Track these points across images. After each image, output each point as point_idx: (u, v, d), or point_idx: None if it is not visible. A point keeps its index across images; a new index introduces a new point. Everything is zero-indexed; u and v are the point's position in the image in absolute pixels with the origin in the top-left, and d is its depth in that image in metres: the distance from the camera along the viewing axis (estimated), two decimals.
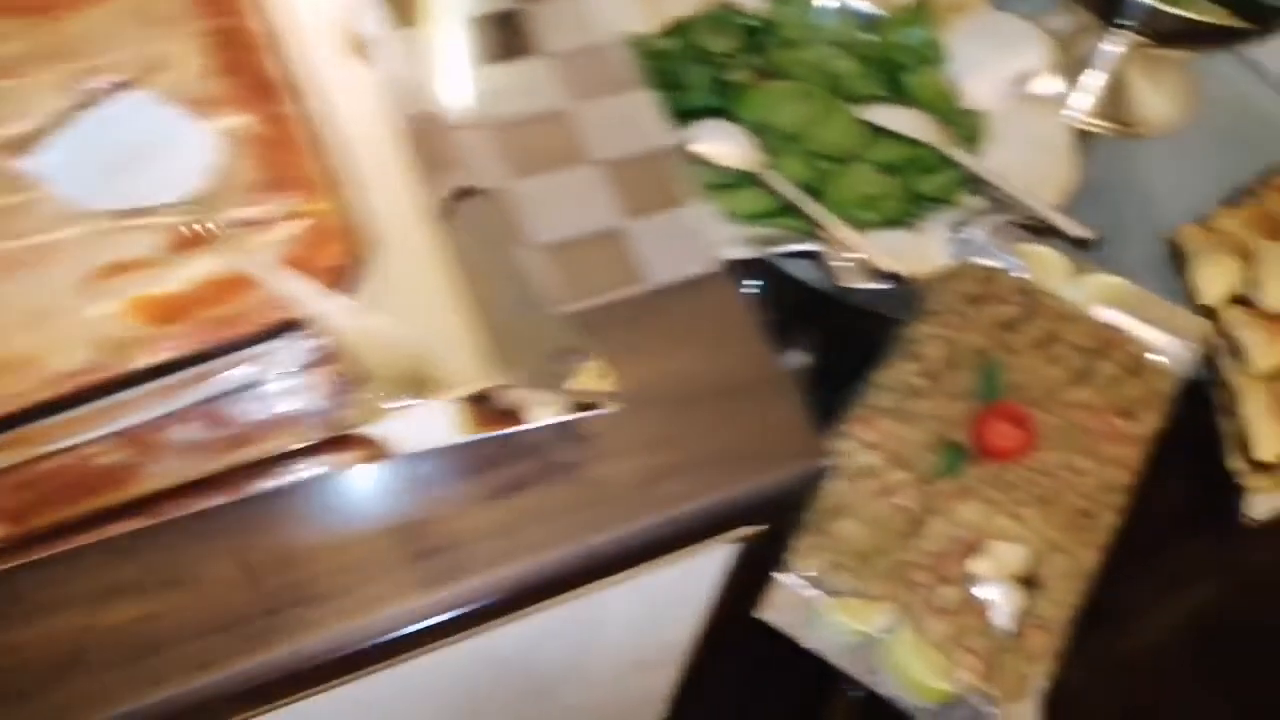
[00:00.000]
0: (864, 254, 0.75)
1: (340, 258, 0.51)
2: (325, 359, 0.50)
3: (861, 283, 0.75)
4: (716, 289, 0.60)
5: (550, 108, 0.67)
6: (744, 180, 0.84)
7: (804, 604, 0.77)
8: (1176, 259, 0.97)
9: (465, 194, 0.56)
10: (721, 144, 0.87)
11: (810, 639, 0.77)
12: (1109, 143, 1.09)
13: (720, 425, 0.56)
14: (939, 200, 0.84)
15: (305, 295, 0.50)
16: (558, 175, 0.63)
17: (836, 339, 0.90)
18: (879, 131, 0.89)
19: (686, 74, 0.90)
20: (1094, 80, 1.09)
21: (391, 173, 0.54)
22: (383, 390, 0.49)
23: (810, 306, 0.82)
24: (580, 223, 0.60)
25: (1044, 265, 0.93)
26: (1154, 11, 0.91)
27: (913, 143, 0.87)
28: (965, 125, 0.89)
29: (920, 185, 0.85)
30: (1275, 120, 1.14)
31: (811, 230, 0.79)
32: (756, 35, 0.96)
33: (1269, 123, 1.14)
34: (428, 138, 0.56)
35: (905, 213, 0.84)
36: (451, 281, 0.53)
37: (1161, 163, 1.12)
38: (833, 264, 0.76)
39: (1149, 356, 0.88)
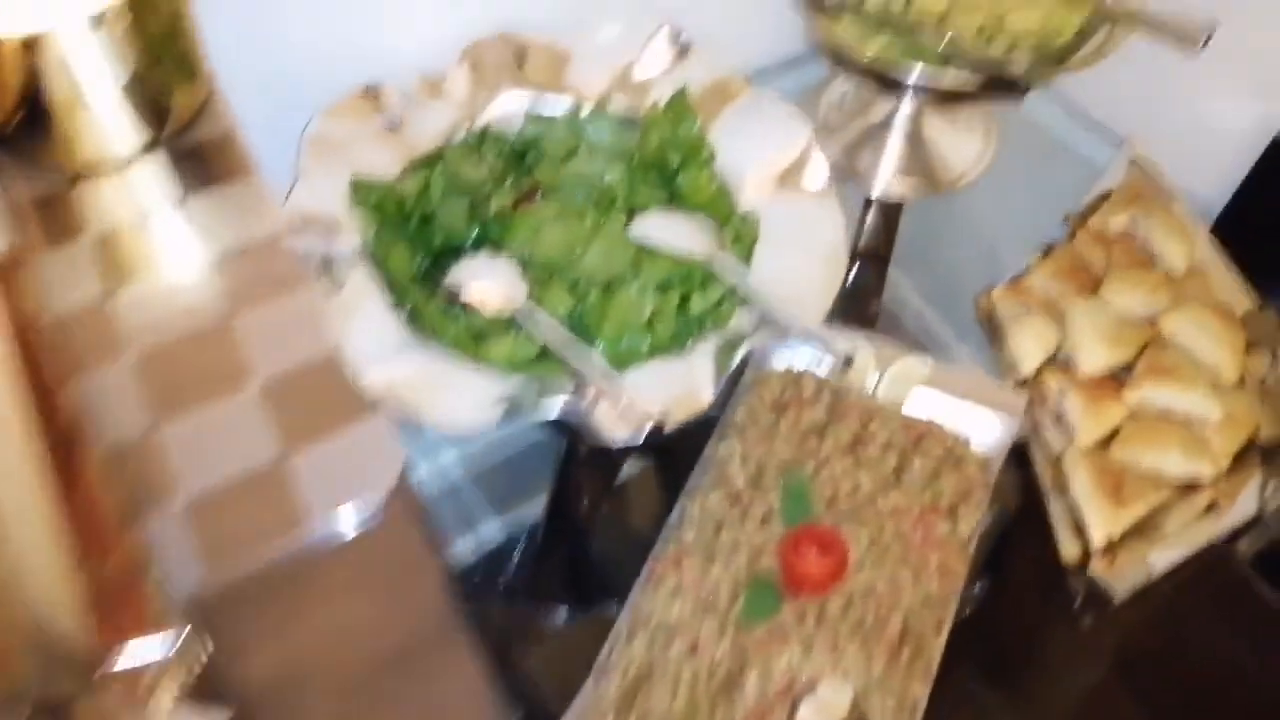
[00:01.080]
0: (625, 400, 0.70)
1: None
2: None
3: (625, 432, 0.69)
4: (392, 528, 0.53)
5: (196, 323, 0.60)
6: (507, 324, 0.79)
7: None
8: (991, 326, 0.94)
9: None
10: (484, 284, 0.82)
11: None
12: (916, 206, 1.07)
13: (387, 709, 0.50)
14: (711, 321, 0.79)
15: None
16: (205, 408, 0.57)
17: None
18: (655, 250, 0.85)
19: (442, 210, 0.85)
20: (888, 143, 1.07)
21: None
22: None
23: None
24: (229, 466, 0.53)
25: (853, 352, 0.89)
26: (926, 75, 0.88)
27: (683, 257, 0.83)
28: (738, 228, 0.85)
29: (692, 304, 0.80)
30: (1084, 154, 1.12)
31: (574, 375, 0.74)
32: (523, 155, 0.91)
33: (1078, 157, 1.12)
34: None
35: (680, 336, 0.79)
36: None
37: (972, 218, 1.09)
38: (593, 416, 0.70)
39: (966, 445, 0.84)
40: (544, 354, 0.77)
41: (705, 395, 0.72)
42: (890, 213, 1.08)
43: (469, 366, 0.75)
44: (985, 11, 0.92)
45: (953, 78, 0.90)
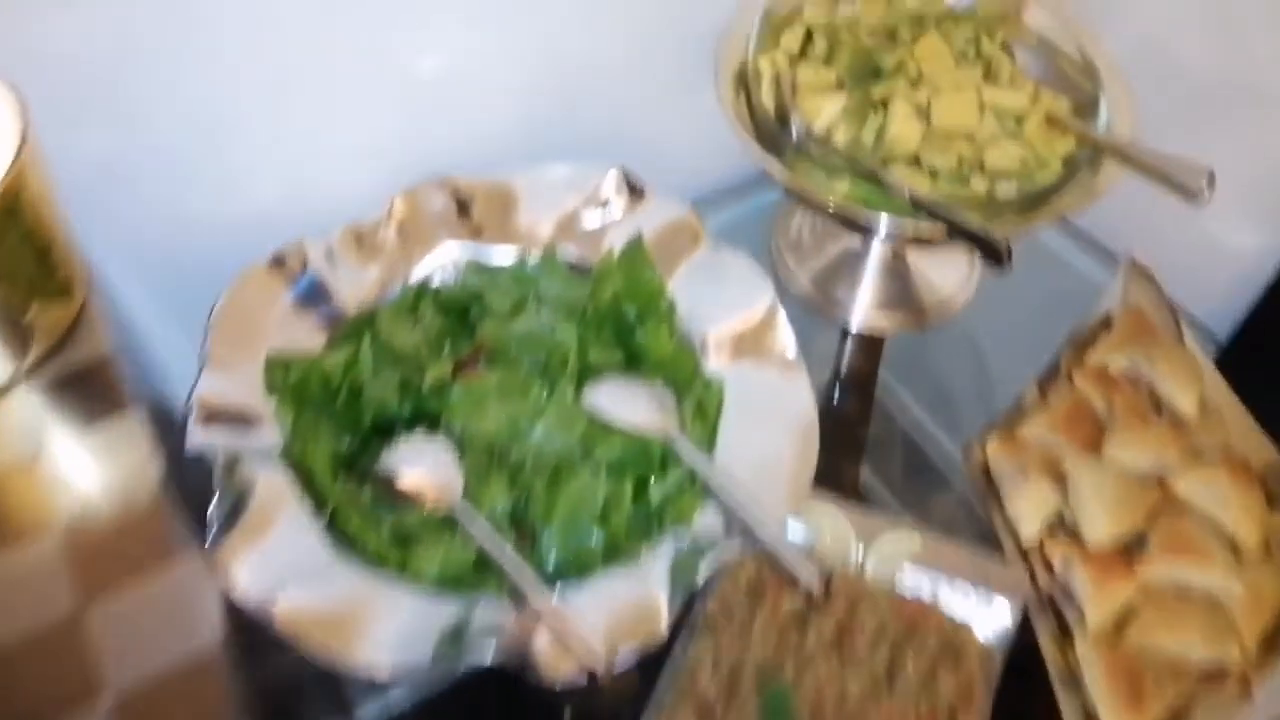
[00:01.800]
0: (568, 631, 0.61)
1: None
2: None
3: (568, 671, 0.61)
4: None
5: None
6: (439, 526, 0.70)
7: None
8: (985, 481, 0.86)
9: None
10: (419, 471, 0.73)
11: None
12: (901, 342, 0.99)
13: None
14: (670, 514, 0.71)
15: None
16: None
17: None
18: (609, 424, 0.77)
19: (373, 385, 0.76)
20: (863, 273, 0.99)
21: None
22: None
23: None
24: None
25: (834, 529, 0.81)
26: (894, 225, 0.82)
27: (640, 434, 0.74)
28: (701, 397, 0.77)
29: (650, 491, 0.72)
30: (1083, 271, 1.05)
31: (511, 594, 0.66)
32: (465, 312, 0.83)
33: (1077, 275, 1.05)
34: None
35: (636, 531, 0.71)
36: None
37: (962, 344, 1.02)
38: (531, 650, 0.62)
39: (966, 631, 0.76)
40: (479, 564, 0.68)
41: (661, 624, 0.64)
42: (871, 345, 1.01)
43: (396, 589, 0.66)
44: (962, 147, 0.85)
45: (925, 229, 0.82)
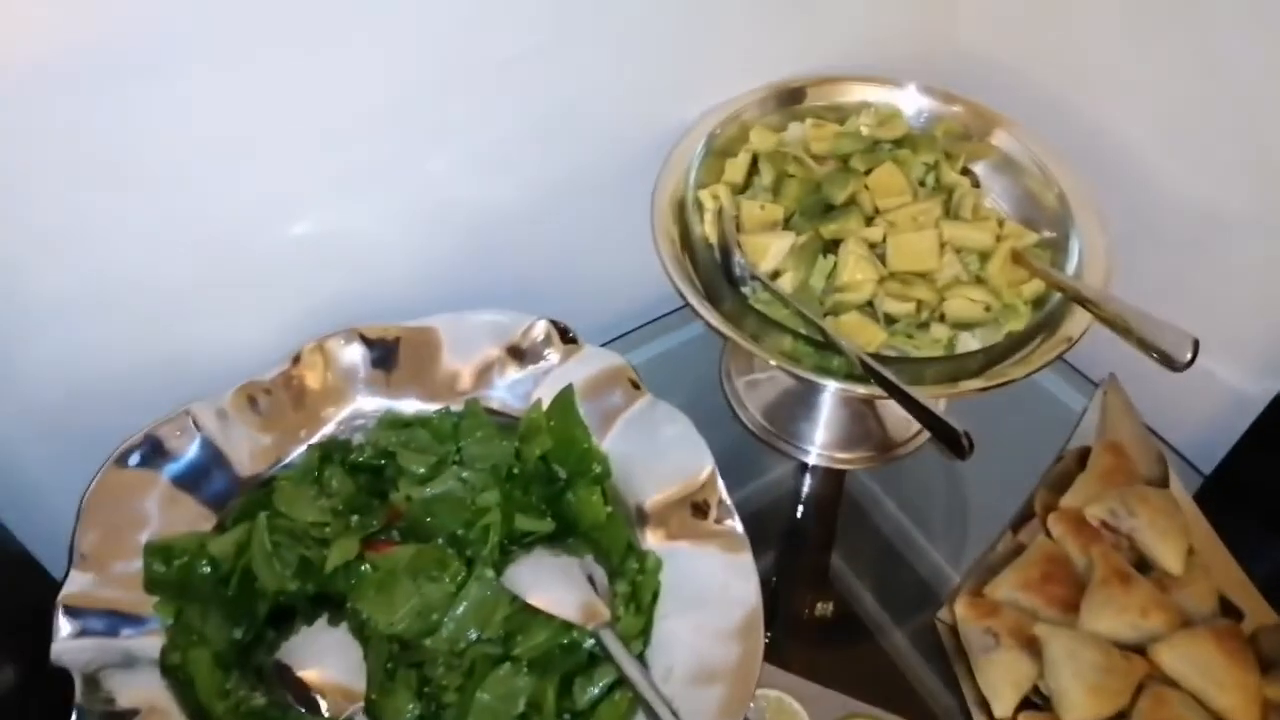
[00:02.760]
0: None
1: None
2: None
3: None
4: None
5: None
6: None
7: None
8: (955, 646, 0.80)
9: None
10: (316, 670, 0.67)
11: None
12: (864, 480, 0.94)
13: None
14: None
15: None
16: None
17: None
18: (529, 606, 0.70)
19: (269, 567, 0.70)
20: (821, 407, 0.94)
21: None
22: None
23: None
24: None
25: (786, 718, 0.75)
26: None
27: (566, 624, 0.68)
28: (634, 578, 0.71)
29: (576, 693, 0.65)
30: (1052, 397, 0.99)
31: None
32: (379, 472, 0.77)
33: (1052, 400, 1.00)
34: None
35: None
36: None
37: (930, 480, 0.96)
38: None
39: None
40: None
41: None
42: (832, 480, 0.95)
43: None
44: (921, 291, 0.79)
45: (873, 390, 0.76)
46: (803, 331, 0.77)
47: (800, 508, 0.95)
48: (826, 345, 0.75)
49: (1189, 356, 0.69)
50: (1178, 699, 0.75)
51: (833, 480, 0.96)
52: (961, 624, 0.81)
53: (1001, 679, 0.78)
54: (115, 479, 0.71)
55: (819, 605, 0.88)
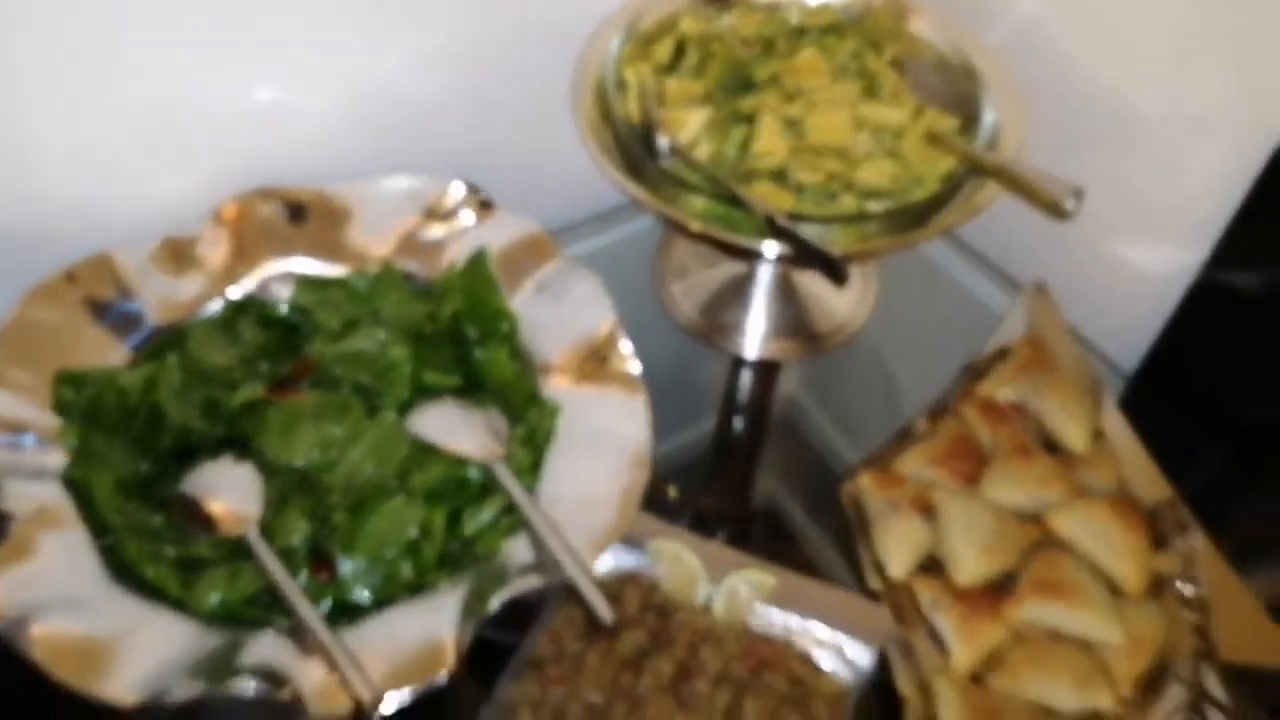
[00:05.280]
0: (342, 666, 0.59)
1: None
2: None
3: (336, 709, 0.59)
4: None
5: None
6: (228, 555, 0.69)
7: None
8: (858, 519, 0.85)
9: None
10: (213, 497, 0.72)
11: None
12: (794, 371, 0.98)
13: None
14: (482, 546, 0.70)
15: None
16: None
17: None
18: (431, 447, 0.76)
19: (176, 404, 0.75)
20: (753, 299, 0.99)
21: None
22: None
23: None
24: None
25: (682, 567, 0.80)
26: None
27: (462, 460, 0.73)
28: (534, 423, 0.77)
29: (465, 522, 0.71)
30: (986, 302, 1.04)
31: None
32: (293, 331, 0.83)
33: (979, 305, 1.04)
34: None
35: (447, 562, 0.69)
36: None
37: (861, 374, 1.01)
38: (302, 686, 0.60)
39: (817, 674, 0.74)
40: (268, 598, 0.67)
41: (447, 659, 0.62)
42: (766, 371, 1.00)
43: (165, 619, 0.64)
44: (832, 164, 0.84)
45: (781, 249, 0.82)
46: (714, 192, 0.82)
47: (726, 397, 1.00)
48: (735, 203, 0.80)
49: (1072, 204, 0.74)
50: (1068, 561, 0.80)
51: (761, 373, 1.01)
52: (865, 494, 0.86)
53: (898, 542, 0.82)
54: (31, 312, 0.77)
55: (730, 480, 0.93)
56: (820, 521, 0.91)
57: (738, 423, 1.00)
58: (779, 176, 0.86)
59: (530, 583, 0.67)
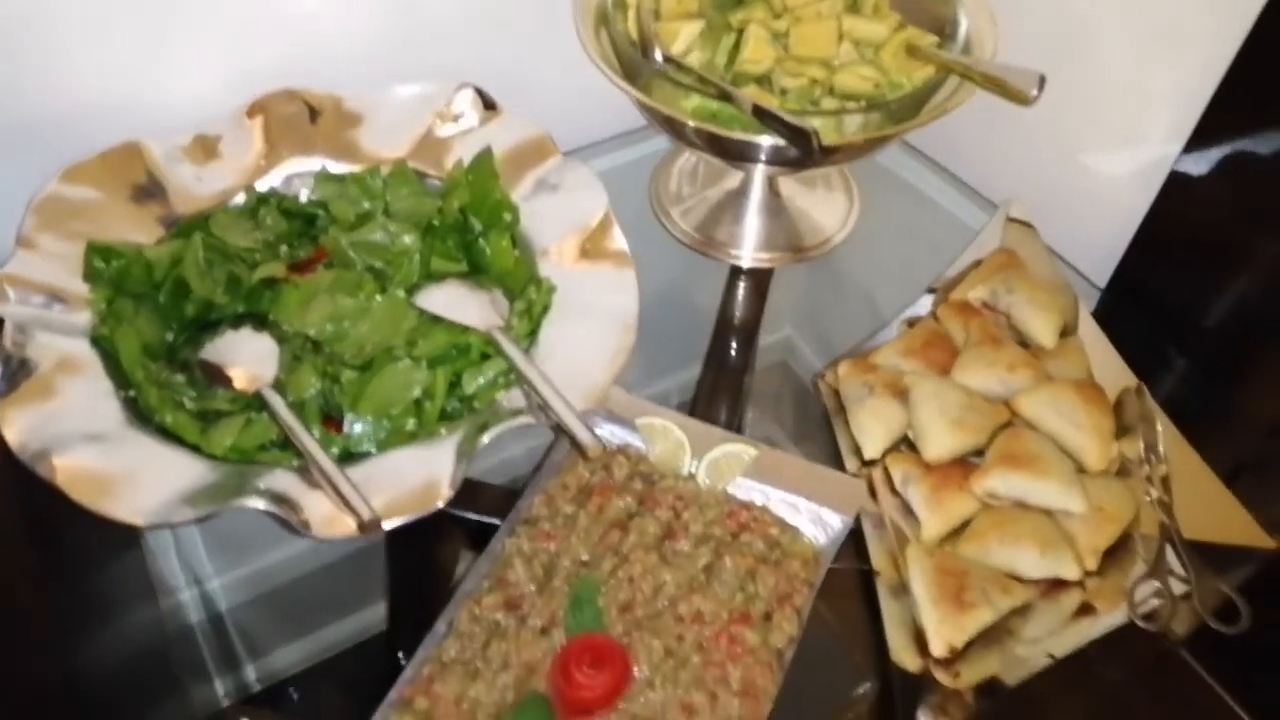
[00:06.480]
0: (345, 493, 0.61)
1: None
2: None
3: (339, 534, 0.61)
4: None
5: None
6: (244, 408, 0.71)
7: None
8: (835, 406, 0.86)
9: None
10: (231, 358, 0.75)
11: None
12: (783, 274, 1.00)
13: None
14: (482, 404, 0.72)
15: None
16: None
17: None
18: (436, 319, 0.77)
19: (200, 279, 0.78)
20: (745, 212, 1.01)
21: None
22: None
23: None
24: None
25: (667, 441, 0.81)
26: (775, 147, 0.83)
27: (464, 329, 0.75)
28: (531, 299, 0.78)
29: (465, 383, 0.73)
30: (964, 220, 1.05)
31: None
32: (312, 220, 0.85)
33: (958, 222, 1.06)
34: None
35: (449, 419, 0.71)
36: None
37: (845, 285, 1.03)
38: (305, 512, 0.62)
39: (794, 538, 0.76)
40: (279, 447, 0.69)
41: (442, 491, 0.64)
42: (758, 280, 1.01)
43: (180, 455, 0.66)
44: (815, 71, 0.86)
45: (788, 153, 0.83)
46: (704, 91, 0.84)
47: (721, 301, 1.02)
48: (724, 98, 0.82)
49: (1035, 91, 0.76)
50: (1034, 435, 0.81)
51: (752, 280, 1.03)
52: (842, 382, 0.88)
53: (873, 423, 0.84)
54: (66, 189, 0.79)
55: (717, 372, 0.94)
56: (802, 414, 0.93)
57: (731, 325, 1.01)
58: (764, 81, 0.88)
59: (521, 421, 0.68)
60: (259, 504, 0.63)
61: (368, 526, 0.61)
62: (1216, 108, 0.87)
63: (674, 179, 1.07)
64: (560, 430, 0.68)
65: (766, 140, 0.82)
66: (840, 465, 0.83)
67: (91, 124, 0.83)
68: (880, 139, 0.83)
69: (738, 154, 0.87)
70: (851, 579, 0.77)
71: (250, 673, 0.73)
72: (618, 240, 0.80)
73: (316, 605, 0.77)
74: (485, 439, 0.67)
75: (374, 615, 0.77)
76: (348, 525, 0.62)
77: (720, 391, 0.94)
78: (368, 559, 0.78)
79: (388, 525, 0.62)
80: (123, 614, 0.73)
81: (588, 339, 0.74)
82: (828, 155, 0.85)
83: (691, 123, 0.83)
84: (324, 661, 0.74)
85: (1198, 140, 0.88)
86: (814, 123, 0.78)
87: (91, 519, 0.63)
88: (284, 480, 0.66)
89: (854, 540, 0.78)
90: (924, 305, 0.95)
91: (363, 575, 0.79)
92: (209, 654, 0.73)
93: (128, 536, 0.74)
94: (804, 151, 0.75)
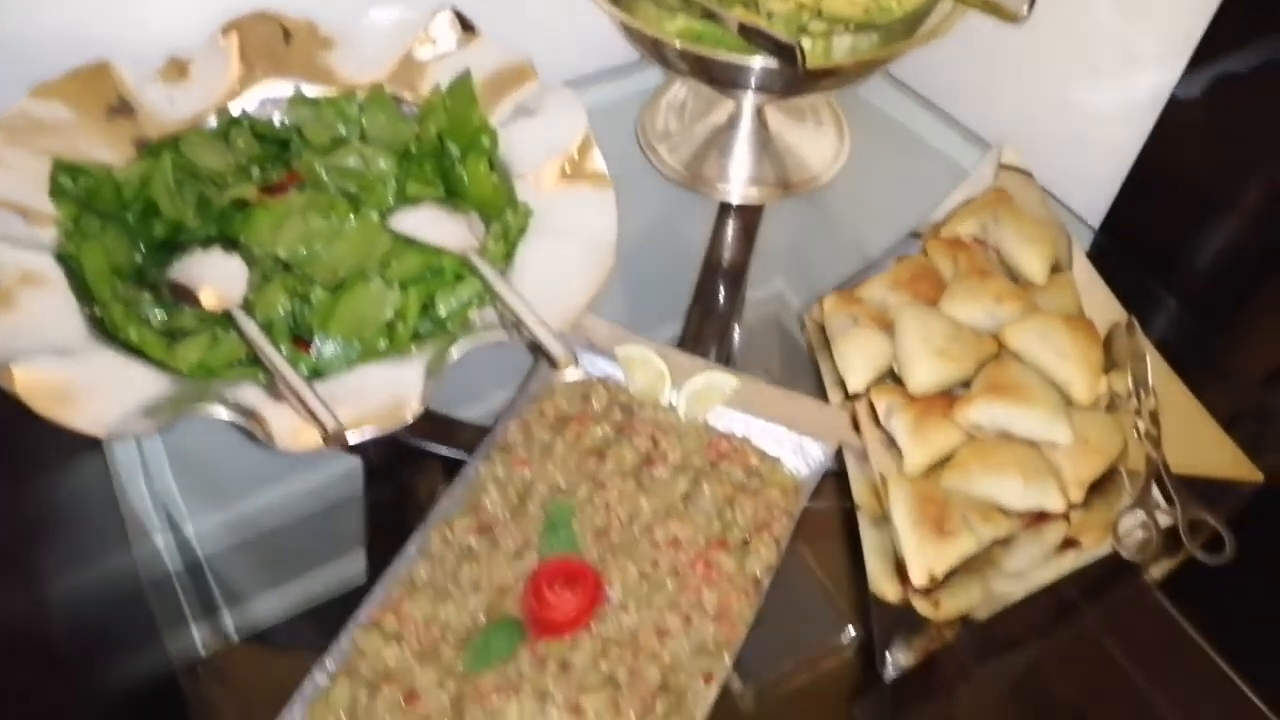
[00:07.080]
0: (311, 407, 0.59)
1: None
2: None
3: (304, 446, 0.59)
4: None
5: None
6: (211, 326, 0.68)
7: None
8: (821, 339, 0.83)
9: None
10: (200, 278, 0.72)
11: None
12: (774, 210, 0.97)
13: None
14: (455, 325, 0.69)
15: None
16: None
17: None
18: (410, 242, 0.75)
19: (169, 200, 0.75)
20: (734, 147, 0.98)
21: None
22: None
23: None
24: None
25: (648, 370, 0.78)
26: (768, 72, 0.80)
27: (439, 251, 0.72)
28: (508, 223, 0.75)
29: (439, 305, 0.70)
30: (957, 160, 1.02)
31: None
32: (285, 144, 0.82)
33: (951, 163, 1.02)
34: None
35: (421, 340, 0.69)
36: None
37: (835, 223, 1.00)
38: (269, 425, 0.59)
39: (774, 467, 0.73)
40: (248, 365, 0.67)
41: (410, 407, 0.62)
42: (747, 217, 0.98)
43: (144, 369, 0.64)
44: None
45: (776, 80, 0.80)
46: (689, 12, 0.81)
47: (709, 239, 0.99)
48: (709, 17, 0.79)
49: (1026, 10, 0.72)
50: (1020, 366, 0.78)
51: (741, 217, 1.00)
52: (827, 315, 0.85)
53: (857, 354, 0.81)
54: (34, 107, 0.76)
55: (704, 309, 0.92)
56: (789, 351, 0.90)
57: (719, 263, 0.98)
58: (751, 5, 0.85)
59: (492, 336, 0.66)
60: (223, 413, 0.60)
61: (333, 437, 0.59)
62: (1210, 43, 0.83)
63: (661, 115, 1.04)
64: (534, 349, 0.66)
65: (754, 62, 0.79)
66: (825, 401, 0.80)
67: (64, 44, 0.80)
68: (870, 63, 0.80)
69: (724, 79, 0.84)
70: (835, 519, 0.74)
71: (228, 619, 0.70)
72: (597, 162, 0.77)
73: (294, 554, 0.74)
74: (454, 353, 0.65)
75: (354, 567, 0.74)
76: (313, 437, 0.59)
77: (707, 329, 0.91)
78: (348, 508, 0.76)
79: (353, 437, 0.59)
80: (96, 559, 0.71)
81: (565, 260, 0.71)
82: (816, 80, 0.82)
83: (677, 43, 0.80)
84: (304, 613, 0.71)
85: (1191, 75, 0.85)
86: (804, 43, 0.75)
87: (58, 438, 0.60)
88: (249, 393, 0.63)
89: (837, 481, 0.75)
90: (915, 247, 0.91)
91: (342, 524, 0.76)
92: (186, 600, 0.70)
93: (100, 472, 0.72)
94: (790, 65, 0.72)
